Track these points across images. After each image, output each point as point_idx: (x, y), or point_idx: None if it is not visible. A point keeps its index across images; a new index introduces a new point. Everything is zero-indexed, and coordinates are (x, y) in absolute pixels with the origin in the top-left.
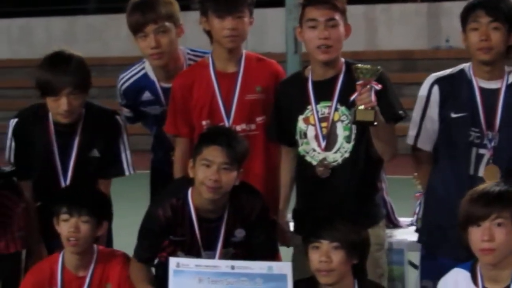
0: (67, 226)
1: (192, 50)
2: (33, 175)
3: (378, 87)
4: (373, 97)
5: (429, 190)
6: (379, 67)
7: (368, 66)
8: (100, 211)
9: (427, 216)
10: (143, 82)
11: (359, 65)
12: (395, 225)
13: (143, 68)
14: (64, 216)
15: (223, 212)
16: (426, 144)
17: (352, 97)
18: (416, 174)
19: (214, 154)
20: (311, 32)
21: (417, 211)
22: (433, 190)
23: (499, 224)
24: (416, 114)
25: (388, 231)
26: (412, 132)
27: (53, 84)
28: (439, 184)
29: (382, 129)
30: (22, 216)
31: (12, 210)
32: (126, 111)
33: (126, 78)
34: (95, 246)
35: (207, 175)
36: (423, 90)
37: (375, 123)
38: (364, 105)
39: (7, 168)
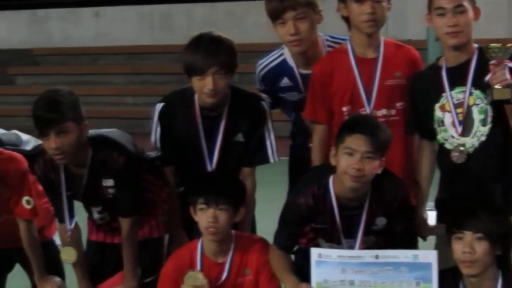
0: (205, 216)
1: (331, 37)
2: (177, 160)
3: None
4: (507, 75)
5: None
6: (510, 45)
7: (500, 45)
8: (238, 198)
9: None
10: (282, 68)
11: (491, 44)
12: None
13: (282, 54)
14: (201, 206)
15: (365, 200)
16: None
17: (487, 78)
18: None
19: (357, 142)
20: (440, 19)
21: None
22: None
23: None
24: None
25: None
26: None
27: (199, 63)
28: None
29: None
30: (166, 202)
31: (156, 195)
32: (264, 97)
33: (265, 64)
34: (233, 232)
35: (350, 163)
36: None
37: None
38: (499, 83)
39: (153, 154)
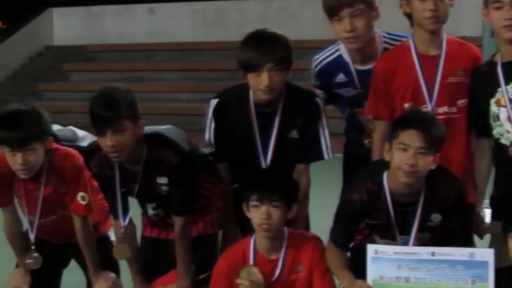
0: (258, 213)
1: (387, 33)
2: (231, 157)
3: None
4: None
5: None
6: None
7: None
8: (291, 195)
9: None
10: (338, 64)
11: None
12: None
13: (337, 50)
14: (254, 203)
15: (419, 196)
16: None
17: None
18: None
19: (411, 138)
20: (497, 12)
21: None
22: None
23: None
24: None
25: None
26: None
27: (255, 59)
28: None
29: None
30: (219, 198)
31: (210, 192)
32: (319, 93)
33: (321, 59)
34: (285, 229)
35: (404, 159)
36: None
37: None
38: None
39: (206, 150)
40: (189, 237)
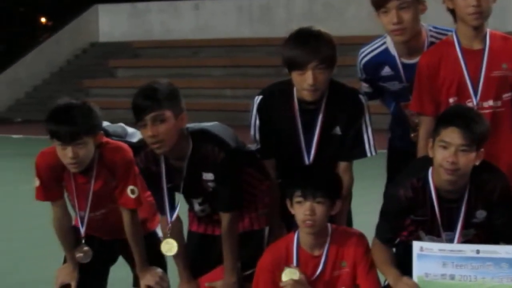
0: (302, 208)
1: (434, 27)
2: (276, 153)
3: None
4: None
5: None
6: None
7: None
8: (334, 192)
9: None
10: (384, 57)
11: None
12: None
13: (384, 43)
14: (298, 199)
15: (464, 192)
16: None
17: None
18: None
19: (452, 136)
20: None
21: None
22: None
23: None
24: None
25: None
26: None
27: (299, 58)
28: None
29: None
30: (266, 194)
31: (256, 188)
32: (365, 86)
33: (367, 52)
34: (329, 225)
35: (445, 156)
36: None
37: None
38: None
39: (253, 147)
40: (236, 233)
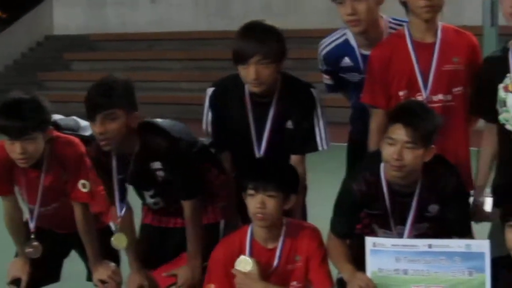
0: (253, 201)
1: (394, 19)
2: (230, 146)
3: None
4: None
5: None
6: None
7: None
8: (288, 185)
9: None
10: (344, 48)
11: None
12: None
13: (344, 34)
14: (250, 192)
15: (416, 187)
16: None
17: None
18: None
19: (397, 132)
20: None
21: None
22: None
23: None
24: None
25: None
26: None
27: (243, 52)
28: None
29: None
30: (222, 188)
31: (212, 183)
32: (326, 78)
33: (327, 43)
34: (284, 218)
35: (391, 153)
36: None
37: None
38: None
39: (205, 140)
40: (201, 220)
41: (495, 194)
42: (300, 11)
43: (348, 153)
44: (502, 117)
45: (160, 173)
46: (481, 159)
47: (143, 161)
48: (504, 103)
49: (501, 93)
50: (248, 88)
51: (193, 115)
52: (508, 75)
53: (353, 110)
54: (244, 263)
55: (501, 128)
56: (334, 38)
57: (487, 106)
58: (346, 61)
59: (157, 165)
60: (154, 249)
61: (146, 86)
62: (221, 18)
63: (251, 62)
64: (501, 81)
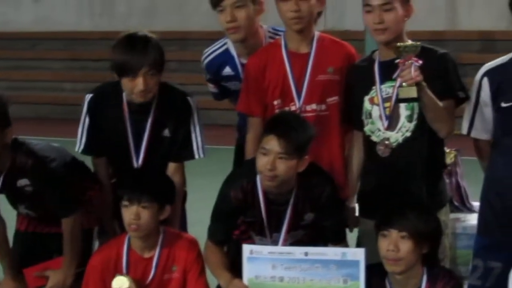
0: (128, 212)
1: (273, 29)
2: (106, 154)
3: (419, 63)
4: (413, 73)
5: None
6: (419, 43)
7: (409, 43)
8: (162, 196)
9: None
10: (224, 57)
11: (399, 43)
12: (468, 209)
13: (225, 44)
14: (124, 203)
15: (291, 196)
16: (481, 134)
17: (394, 75)
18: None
19: (270, 143)
20: (368, 16)
21: None
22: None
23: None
24: (469, 105)
25: (461, 215)
26: (465, 123)
27: (131, 64)
28: (498, 166)
29: (433, 106)
30: (98, 196)
31: (85, 194)
32: (211, 87)
33: (209, 52)
34: (161, 228)
35: (264, 163)
36: (474, 83)
37: (421, 99)
38: (406, 82)
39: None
40: (79, 233)
41: (361, 202)
42: (181, 12)
43: (234, 159)
44: (367, 129)
45: (29, 189)
46: (349, 166)
47: (12, 178)
48: (369, 115)
49: (367, 105)
50: (126, 97)
51: (75, 115)
52: (373, 87)
53: (239, 117)
54: (121, 282)
55: (366, 139)
56: (215, 47)
57: (353, 115)
58: (227, 70)
59: (24, 181)
60: (28, 254)
61: (28, 86)
62: (105, 19)
63: (140, 74)
64: (367, 93)
